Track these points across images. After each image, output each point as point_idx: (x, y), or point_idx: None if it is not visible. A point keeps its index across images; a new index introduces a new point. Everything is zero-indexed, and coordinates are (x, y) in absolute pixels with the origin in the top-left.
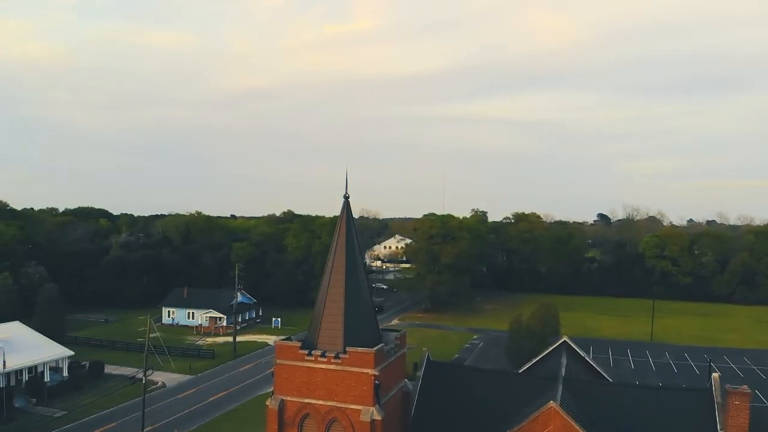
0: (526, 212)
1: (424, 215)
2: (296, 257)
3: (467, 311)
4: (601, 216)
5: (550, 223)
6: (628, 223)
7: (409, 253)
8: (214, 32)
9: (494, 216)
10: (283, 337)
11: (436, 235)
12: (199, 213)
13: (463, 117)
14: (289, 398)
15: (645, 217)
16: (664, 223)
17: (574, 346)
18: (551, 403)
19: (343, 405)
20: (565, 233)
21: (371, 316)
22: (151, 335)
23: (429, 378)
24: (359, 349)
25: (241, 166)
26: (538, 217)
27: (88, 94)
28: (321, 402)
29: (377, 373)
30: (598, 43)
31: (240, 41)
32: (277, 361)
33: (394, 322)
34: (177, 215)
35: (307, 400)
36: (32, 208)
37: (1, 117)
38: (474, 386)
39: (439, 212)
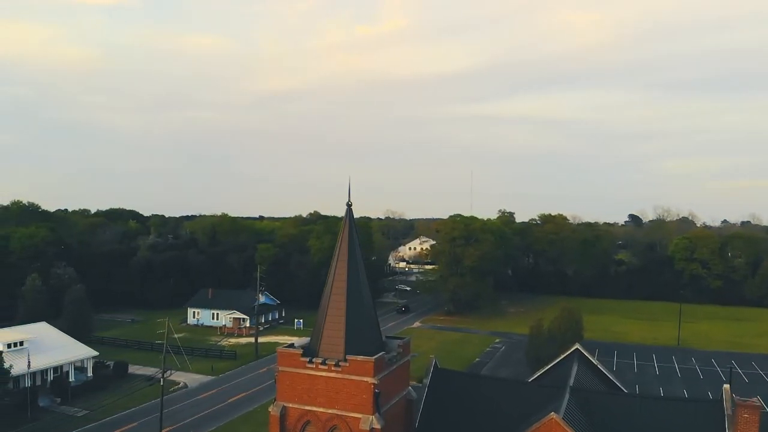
0: (552, 213)
1: (450, 216)
2: (319, 258)
3: (490, 314)
4: (632, 217)
5: (578, 224)
6: (658, 224)
7: (431, 255)
8: (245, 35)
9: (522, 217)
10: (285, 344)
11: (458, 237)
12: (225, 215)
13: (491, 116)
14: (291, 405)
15: (676, 218)
16: (697, 224)
17: (587, 354)
18: (552, 415)
19: (343, 413)
20: (592, 235)
21: (374, 324)
22: (170, 336)
23: (435, 386)
24: (359, 358)
25: (270, 167)
26: (565, 218)
27: (122, 98)
28: (322, 409)
29: (376, 382)
30: (630, 40)
31: (271, 44)
32: (279, 368)
33: (416, 324)
34: (204, 217)
35: (308, 407)
36: (66, 209)
37: (38, 120)
38: (481, 395)
39: (466, 213)
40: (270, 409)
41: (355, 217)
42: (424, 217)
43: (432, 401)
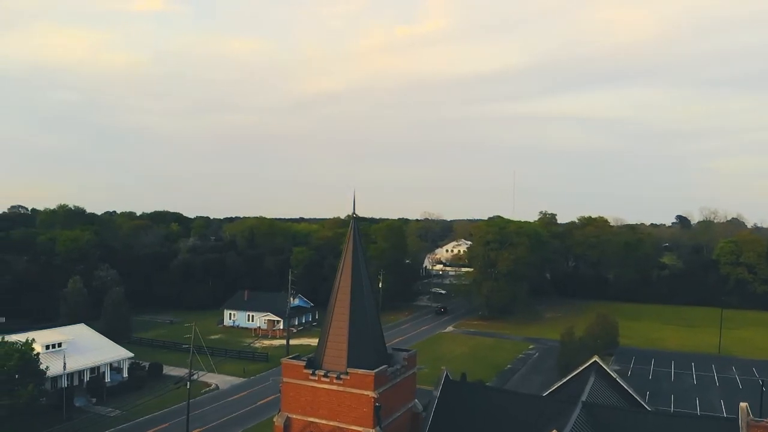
0: (593, 216)
1: (489, 218)
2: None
3: (526, 319)
4: (680, 218)
5: (619, 227)
6: (705, 226)
7: (466, 259)
8: (287, 39)
9: (564, 218)
10: (291, 356)
11: (492, 241)
12: (262, 217)
13: (533, 115)
14: (294, 416)
15: (724, 220)
16: (748, 226)
17: (605, 367)
18: None
19: (344, 425)
20: (634, 238)
21: (378, 336)
22: (205, 338)
23: (446, 397)
24: (359, 371)
25: (311, 169)
26: (606, 220)
27: (168, 102)
28: (324, 421)
29: (376, 396)
30: (677, 36)
31: (312, 47)
32: (284, 380)
33: (449, 329)
34: (244, 219)
35: (311, 419)
36: (114, 212)
37: (88, 124)
38: (492, 407)
39: (507, 214)
40: (274, 420)
41: (393, 218)
42: (464, 218)
43: (441, 413)
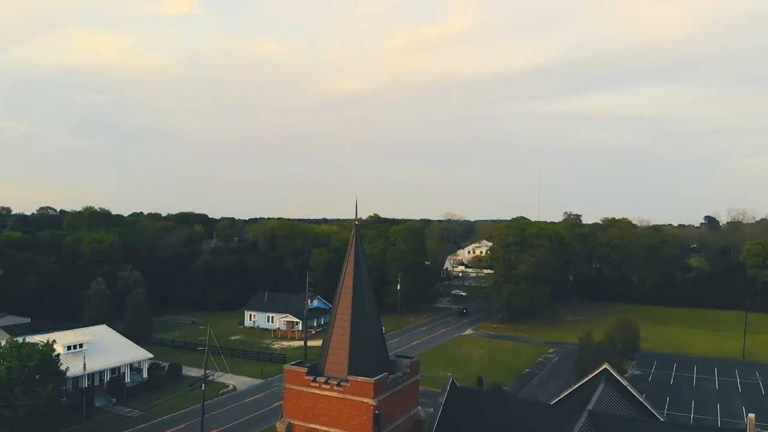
0: (617, 217)
1: (513, 219)
2: (370, 263)
3: (547, 322)
4: (708, 219)
5: (644, 228)
6: (733, 227)
7: (486, 261)
8: (312, 40)
9: (590, 219)
10: (293, 362)
11: (512, 243)
12: (283, 219)
13: (559, 114)
14: (296, 422)
15: (753, 221)
16: None
17: (616, 374)
18: None
19: None
20: (658, 240)
21: (380, 343)
22: (227, 338)
23: (451, 404)
24: (359, 379)
25: (334, 170)
26: (630, 222)
27: (196, 104)
28: (325, 428)
29: (375, 403)
30: (706, 33)
31: (337, 48)
32: (286, 386)
33: (468, 331)
34: (264, 221)
35: (312, 425)
36: (141, 212)
37: (117, 127)
38: (497, 415)
39: (532, 215)
40: (277, 425)
41: (415, 218)
42: (487, 219)
43: (446, 421)
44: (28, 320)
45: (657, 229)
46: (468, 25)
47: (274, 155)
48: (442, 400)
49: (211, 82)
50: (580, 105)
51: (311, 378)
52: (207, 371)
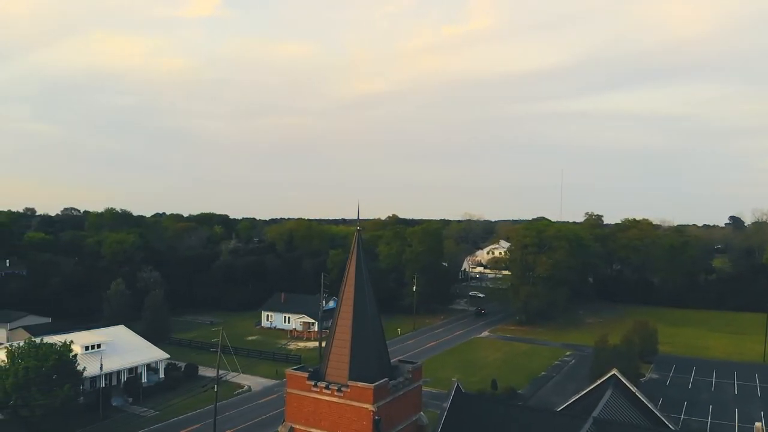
0: (637, 218)
1: (533, 219)
2: (387, 265)
3: (565, 325)
4: (733, 219)
5: (665, 229)
6: (758, 227)
7: (504, 262)
8: (333, 41)
9: (613, 219)
10: (295, 366)
11: (530, 245)
12: (301, 220)
13: (582, 113)
14: (297, 426)
15: None
16: None
17: (625, 380)
18: None
19: None
20: (679, 241)
21: (381, 349)
22: (246, 338)
23: (455, 410)
24: (359, 384)
25: (354, 170)
26: (651, 223)
27: (219, 105)
28: None
29: (375, 409)
30: (737, 31)
31: (358, 48)
32: (288, 390)
33: (484, 334)
34: (284, 222)
35: (313, 430)
36: (164, 213)
37: (142, 128)
38: (502, 421)
39: (555, 215)
40: (279, 429)
41: (433, 219)
42: (508, 219)
43: (449, 427)
44: (49, 320)
45: (678, 230)
46: (490, 24)
47: (294, 156)
48: (447, 405)
49: (233, 83)
50: (603, 103)
51: (312, 383)
52: (222, 372)
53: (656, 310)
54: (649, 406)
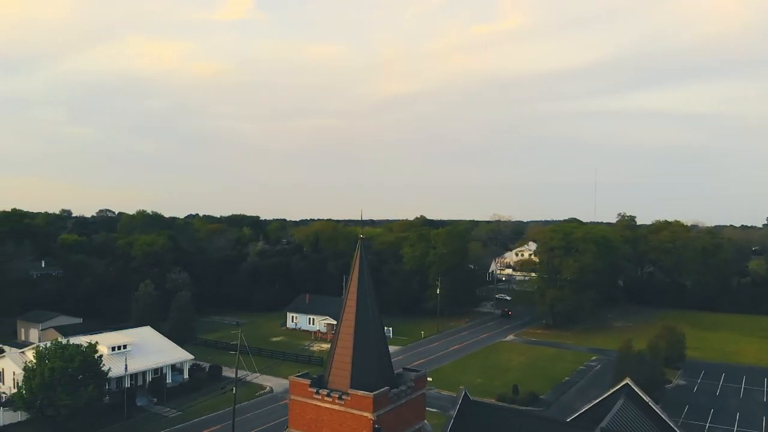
0: (669, 220)
1: (565, 220)
2: (411, 267)
3: (593, 329)
4: None
5: (698, 230)
6: None
7: (529, 266)
8: (365, 42)
9: (647, 219)
10: (299, 374)
11: (557, 248)
12: (326, 221)
13: (618, 112)
14: None
15: None
16: None
17: (638, 390)
18: None
19: None
20: (712, 243)
21: (383, 357)
22: (271, 339)
23: (462, 418)
24: (359, 393)
25: (383, 171)
26: (683, 224)
27: (251, 108)
28: None
29: (374, 418)
30: None
31: (390, 49)
32: (291, 397)
33: (509, 337)
34: (311, 224)
35: None
36: (197, 214)
37: (175, 131)
38: (509, 430)
39: (589, 215)
40: None
41: (462, 219)
42: (540, 220)
43: None
44: (81, 320)
45: (711, 232)
46: (521, 22)
47: (325, 156)
48: (453, 413)
49: (265, 86)
50: (638, 102)
51: (314, 390)
52: (243, 373)
53: (687, 314)
54: (663, 416)
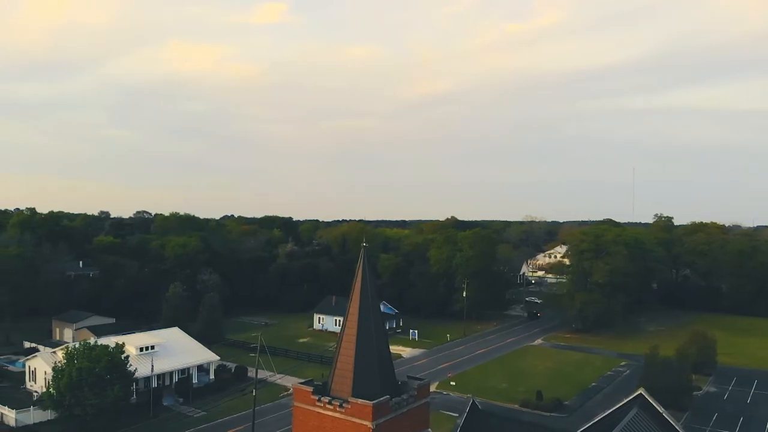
0: (709, 221)
1: (600, 221)
2: (438, 269)
3: (624, 333)
4: None
5: (735, 232)
6: None
7: (559, 268)
8: (399, 43)
9: (685, 220)
10: (302, 381)
11: (586, 250)
12: (354, 223)
13: (656, 110)
14: None
15: None
16: None
17: (652, 401)
18: None
19: None
20: (749, 246)
21: (386, 366)
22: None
23: (469, 428)
24: (359, 401)
25: (416, 171)
26: (719, 226)
27: (286, 110)
28: None
29: (373, 427)
30: None
31: (424, 49)
32: (295, 404)
33: (537, 341)
34: (338, 225)
35: None
36: (232, 215)
37: (212, 133)
38: None
39: (627, 215)
40: None
41: (495, 220)
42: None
43: None
44: (113, 321)
45: (749, 234)
46: (555, 20)
47: (358, 157)
48: (460, 422)
49: (300, 88)
50: (678, 99)
51: (317, 397)
52: (269, 374)
53: (723, 318)
54: (677, 428)
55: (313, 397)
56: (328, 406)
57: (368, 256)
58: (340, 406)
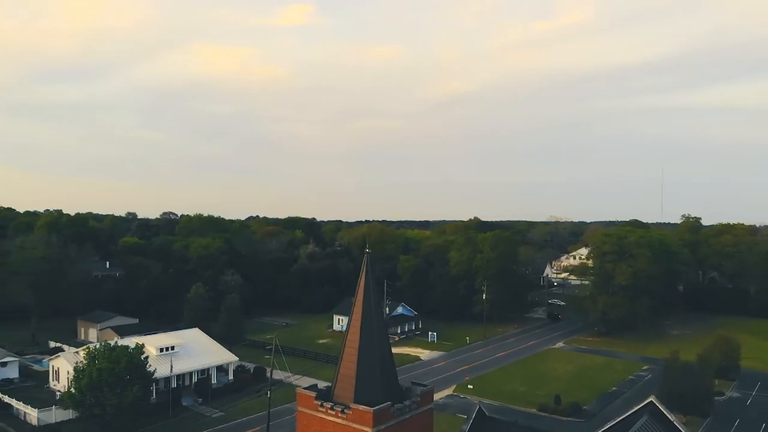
0: (736, 222)
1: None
2: (458, 271)
3: (647, 336)
4: None
5: (764, 234)
6: None
7: (581, 270)
8: (423, 42)
9: (715, 220)
10: (306, 386)
11: (609, 252)
12: (375, 224)
13: (684, 108)
14: None
15: None
16: None
17: (663, 409)
18: None
19: None
20: None
21: (389, 372)
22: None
23: None
24: (360, 407)
25: (439, 171)
26: (746, 227)
27: (311, 111)
28: None
29: None
30: None
31: (449, 49)
32: (298, 408)
33: (558, 345)
34: (358, 227)
35: None
36: (258, 216)
37: (237, 135)
38: None
39: (655, 216)
40: None
41: (515, 219)
42: (602, 220)
43: None
44: (137, 321)
45: None
46: (582, 17)
47: (383, 157)
48: (466, 428)
49: (325, 89)
50: (708, 97)
51: (319, 403)
52: (286, 374)
53: (749, 322)
54: None
55: (315, 402)
56: (330, 411)
57: (372, 262)
58: (342, 411)
